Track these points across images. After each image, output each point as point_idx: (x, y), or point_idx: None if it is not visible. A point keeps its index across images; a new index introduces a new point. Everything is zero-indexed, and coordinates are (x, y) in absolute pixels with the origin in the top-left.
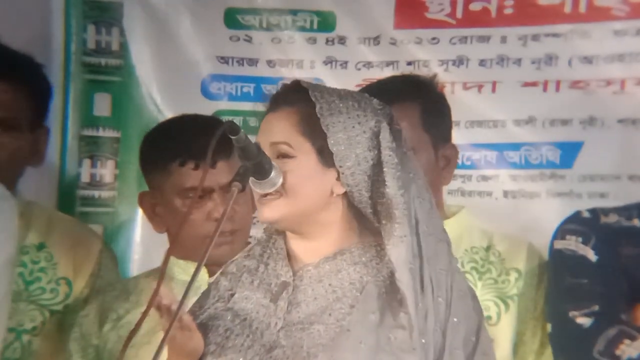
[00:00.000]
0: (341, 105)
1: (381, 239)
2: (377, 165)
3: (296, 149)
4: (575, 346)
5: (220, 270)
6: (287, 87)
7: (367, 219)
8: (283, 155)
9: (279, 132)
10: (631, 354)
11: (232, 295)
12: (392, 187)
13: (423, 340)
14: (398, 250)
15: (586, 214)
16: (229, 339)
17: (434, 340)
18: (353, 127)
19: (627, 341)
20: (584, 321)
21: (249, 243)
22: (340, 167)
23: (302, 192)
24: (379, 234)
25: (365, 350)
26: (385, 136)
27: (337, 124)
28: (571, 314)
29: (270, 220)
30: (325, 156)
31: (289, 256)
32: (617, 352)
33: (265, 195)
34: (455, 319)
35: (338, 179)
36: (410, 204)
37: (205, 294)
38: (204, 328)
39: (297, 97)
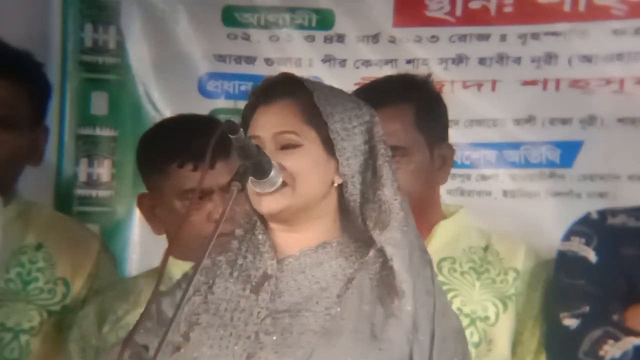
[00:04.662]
0: (335, 97)
1: (360, 236)
2: (370, 159)
3: (303, 137)
4: (563, 347)
5: (192, 266)
6: (278, 80)
7: (350, 215)
8: (289, 145)
9: (282, 122)
10: (614, 354)
11: (210, 287)
12: (387, 178)
13: (422, 338)
14: (399, 238)
15: (595, 215)
16: (210, 332)
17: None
18: (350, 118)
19: (610, 342)
20: (571, 322)
21: None
22: (340, 156)
23: (309, 181)
24: (358, 231)
25: (362, 339)
26: (379, 130)
27: (335, 115)
28: (561, 315)
29: (273, 211)
30: (329, 145)
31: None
32: (601, 353)
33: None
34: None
35: (337, 169)
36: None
37: (172, 291)
38: (186, 324)
39: (292, 88)
